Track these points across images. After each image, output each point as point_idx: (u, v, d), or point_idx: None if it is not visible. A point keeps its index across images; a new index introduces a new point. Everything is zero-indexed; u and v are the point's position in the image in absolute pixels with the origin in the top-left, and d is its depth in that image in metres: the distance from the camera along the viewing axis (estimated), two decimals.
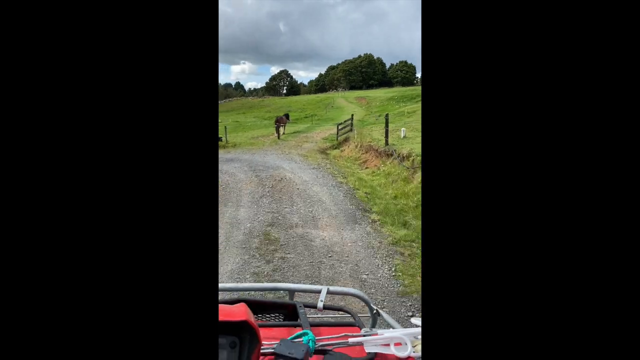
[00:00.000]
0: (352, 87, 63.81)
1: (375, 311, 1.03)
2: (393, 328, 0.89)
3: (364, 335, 0.79)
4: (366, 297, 1.04)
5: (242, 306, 0.63)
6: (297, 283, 1.71)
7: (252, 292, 1.33)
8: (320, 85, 76.52)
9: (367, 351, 0.76)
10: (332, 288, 1.02)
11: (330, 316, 1.11)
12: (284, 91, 78.74)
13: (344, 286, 2.05)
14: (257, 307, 0.99)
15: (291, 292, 1.08)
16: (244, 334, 0.61)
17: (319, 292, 1.00)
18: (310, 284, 2.42)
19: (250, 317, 0.61)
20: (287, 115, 17.33)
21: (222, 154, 11.54)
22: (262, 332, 0.68)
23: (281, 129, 15.23)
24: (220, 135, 13.70)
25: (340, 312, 1.07)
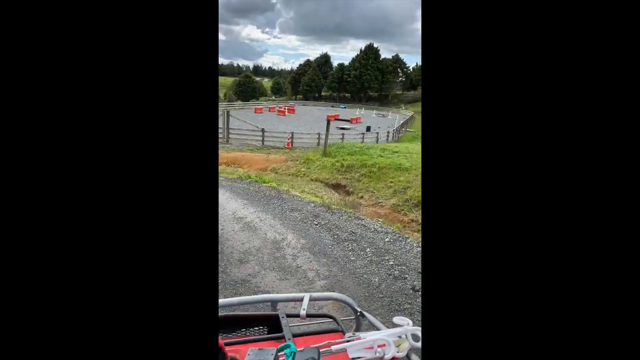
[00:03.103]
0: None
1: (359, 313, 1.04)
2: (378, 329, 0.89)
3: (347, 341, 0.79)
4: (349, 300, 1.06)
5: None
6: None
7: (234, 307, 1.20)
8: None
9: (350, 357, 0.77)
10: (314, 294, 1.05)
11: (315, 322, 1.09)
12: None
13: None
14: (240, 321, 1.00)
15: (274, 302, 1.08)
16: None
17: (301, 300, 1.01)
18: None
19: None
20: None
21: None
22: (245, 348, 0.73)
23: None
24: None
25: (325, 318, 1.09)
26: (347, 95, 68.41)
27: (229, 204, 5.97)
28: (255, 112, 31.71)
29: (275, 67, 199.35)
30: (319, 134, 15.64)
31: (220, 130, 15.31)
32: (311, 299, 1.02)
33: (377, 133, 19.67)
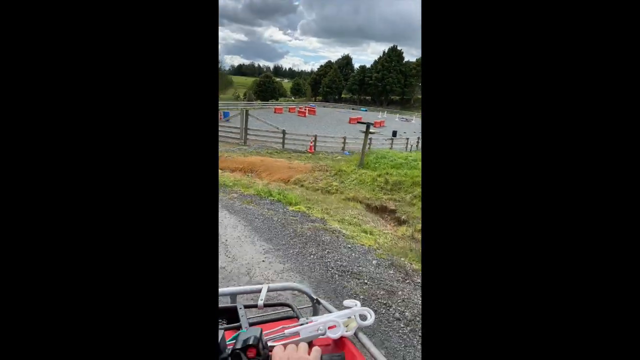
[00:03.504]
0: None
1: (315, 300, 1.08)
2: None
3: (301, 325, 0.85)
4: (306, 288, 1.10)
5: None
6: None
7: None
8: None
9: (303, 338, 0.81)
10: (272, 285, 1.06)
11: (275, 312, 1.09)
12: None
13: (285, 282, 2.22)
14: None
15: (233, 295, 1.08)
16: None
17: (260, 291, 1.03)
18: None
19: None
20: None
21: None
22: None
23: None
24: None
25: (282, 307, 1.12)
26: (367, 97, 66.52)
27: (242, 248, 3.94)
28: (274, 112, 30.48)
29: (295, 69, 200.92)
30: (344, 137, 13.96)
31: (237, 131, 13.74)
32: (269, 290, 1.04)
33: (407, 139, 17.67)
